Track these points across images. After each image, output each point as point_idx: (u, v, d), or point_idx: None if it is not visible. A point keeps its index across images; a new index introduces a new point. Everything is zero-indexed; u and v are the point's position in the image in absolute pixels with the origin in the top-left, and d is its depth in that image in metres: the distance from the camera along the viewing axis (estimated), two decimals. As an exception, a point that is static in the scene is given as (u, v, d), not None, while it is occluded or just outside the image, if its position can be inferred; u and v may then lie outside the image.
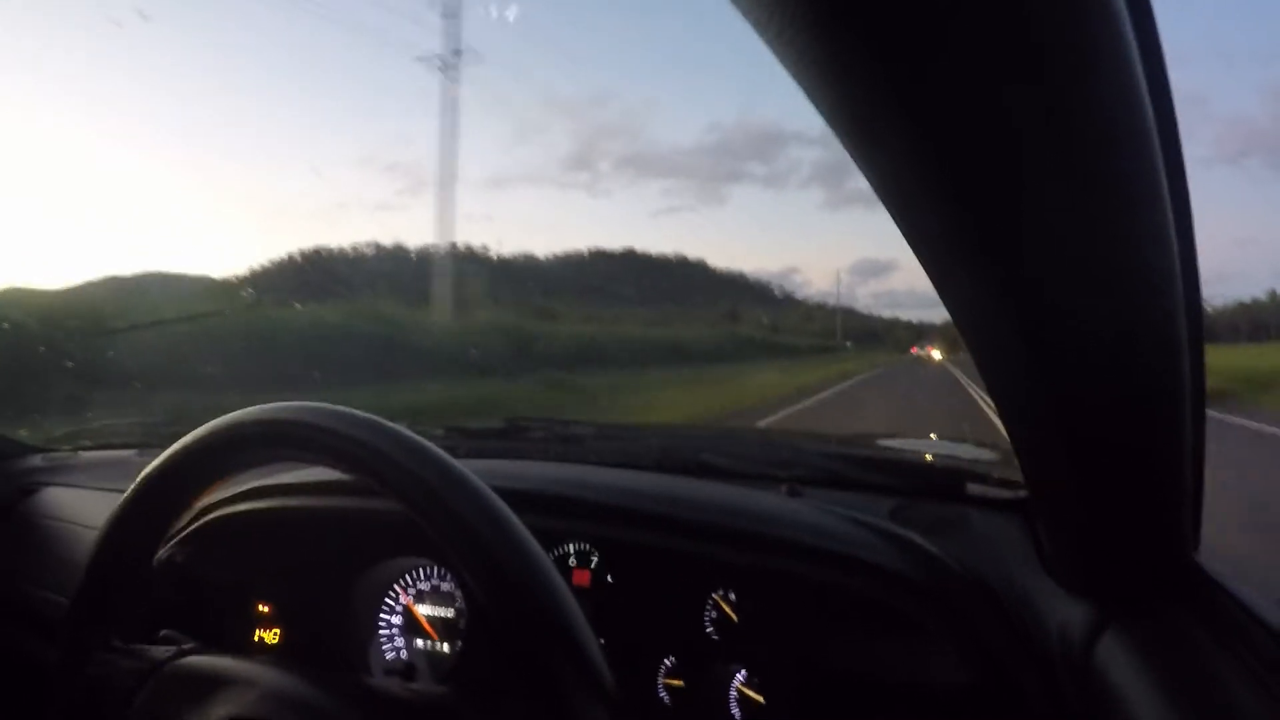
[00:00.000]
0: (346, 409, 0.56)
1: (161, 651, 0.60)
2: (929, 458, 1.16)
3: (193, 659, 0.59)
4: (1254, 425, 8.76)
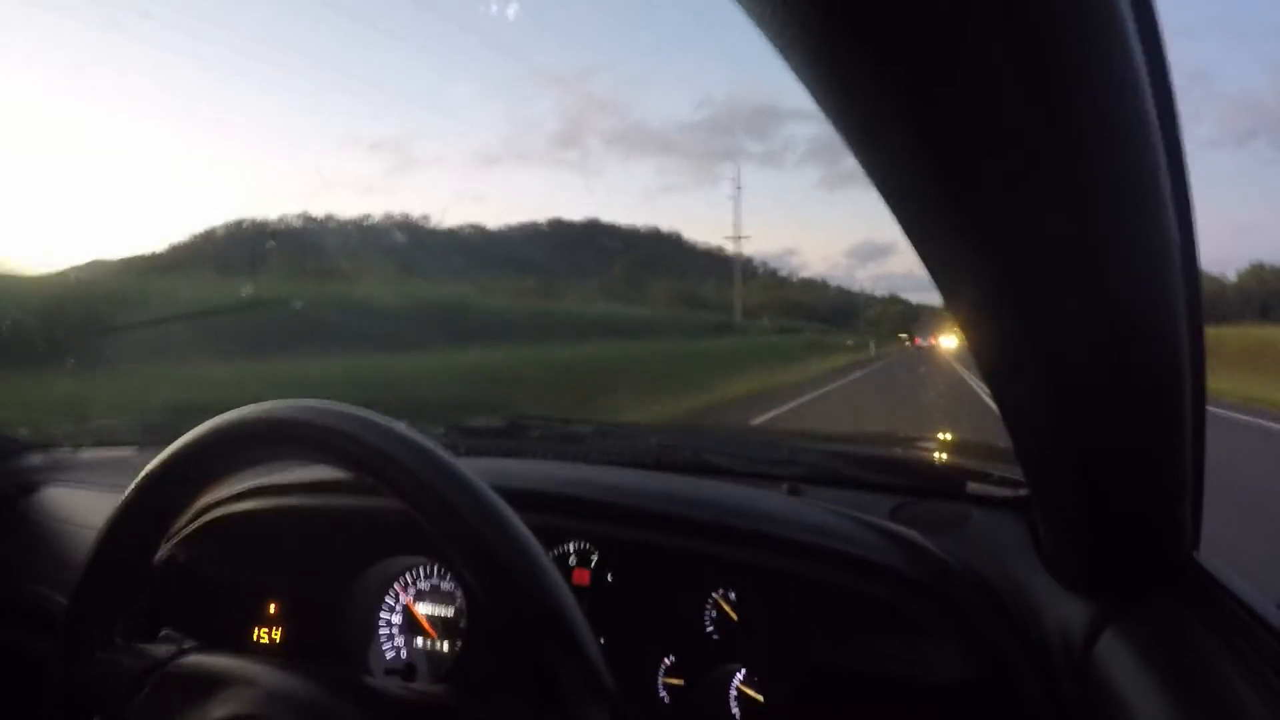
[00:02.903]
0: (347, 407, 0.56)
1: (162, 650, 0.60)
2: (929, 456, 1.16)
3: (193, 658, 0.59)
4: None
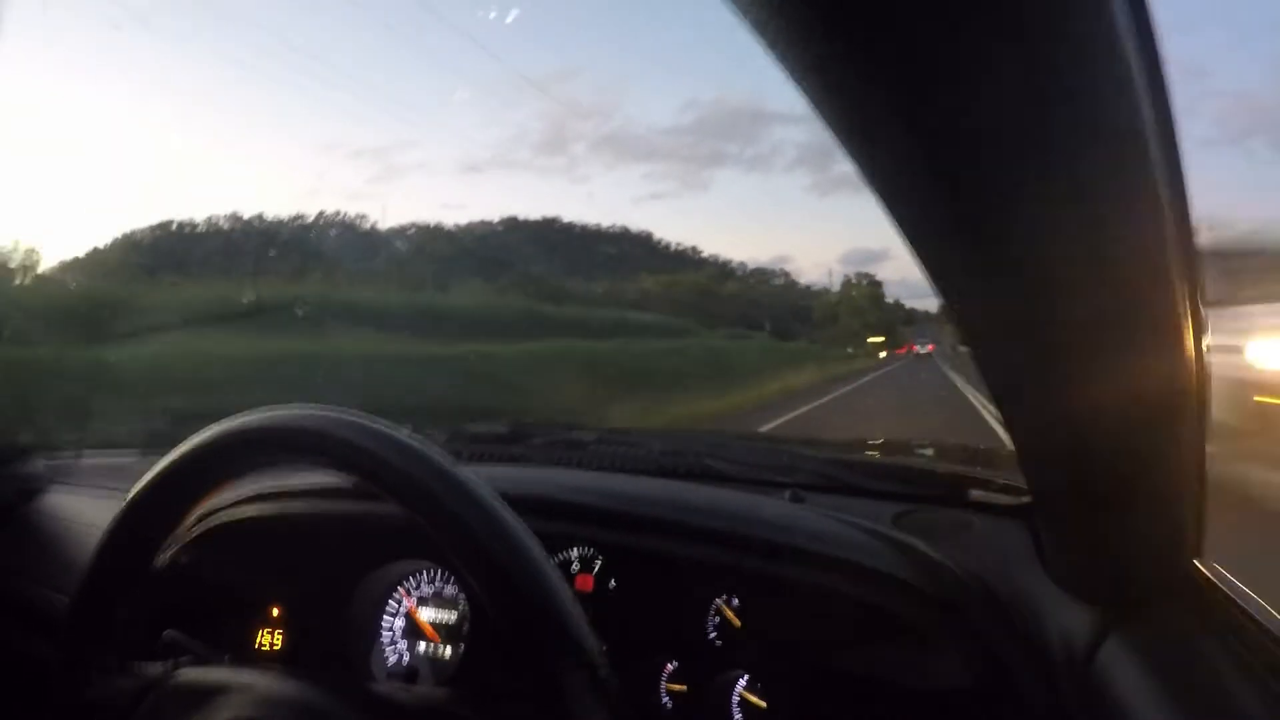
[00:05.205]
0: (349, 413, 0.56)
1: (158, 667, 0.60)
2: (932, 463, 1.15)
3: (189, 671, 0.59)
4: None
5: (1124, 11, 0.29)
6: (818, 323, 51.04)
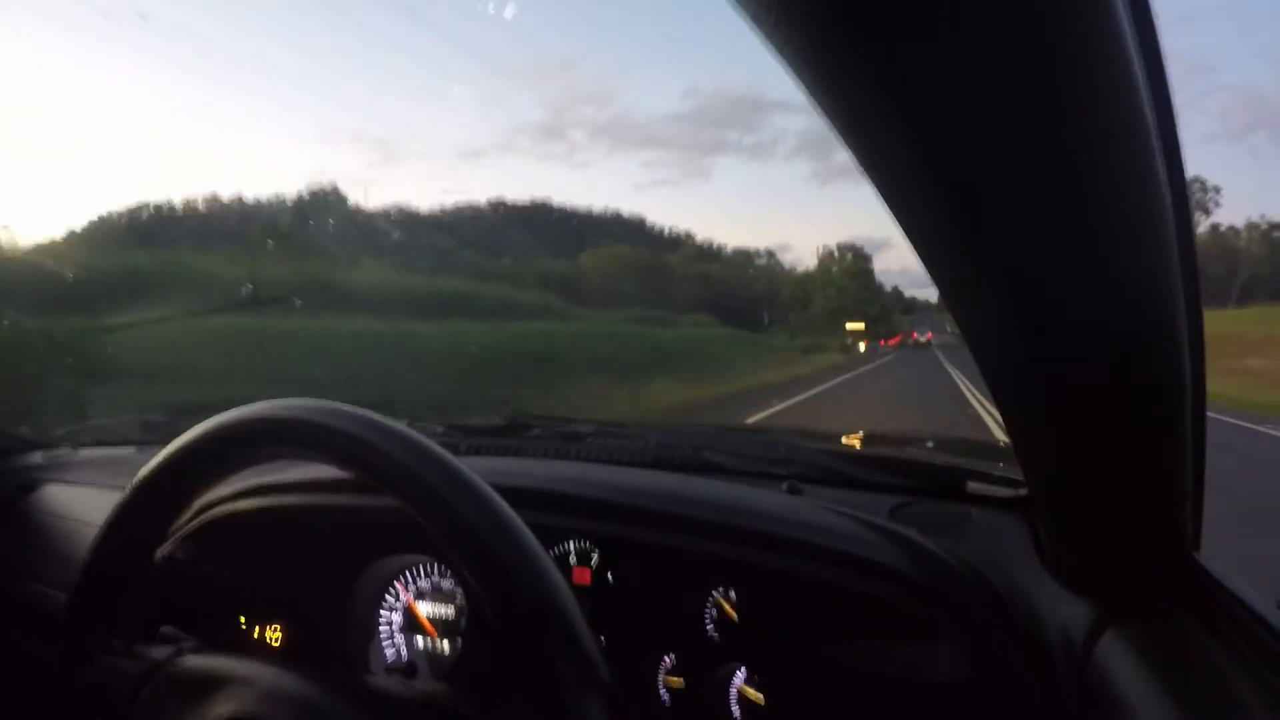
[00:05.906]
0: (346, 406, 0.56)
1: (161, 651, 0.60)
2: (930, 456, 1.16)
3: (192, 659, 0.60)
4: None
5: (1124, 6, 0.29)
6: (785, 305, 42.10)
